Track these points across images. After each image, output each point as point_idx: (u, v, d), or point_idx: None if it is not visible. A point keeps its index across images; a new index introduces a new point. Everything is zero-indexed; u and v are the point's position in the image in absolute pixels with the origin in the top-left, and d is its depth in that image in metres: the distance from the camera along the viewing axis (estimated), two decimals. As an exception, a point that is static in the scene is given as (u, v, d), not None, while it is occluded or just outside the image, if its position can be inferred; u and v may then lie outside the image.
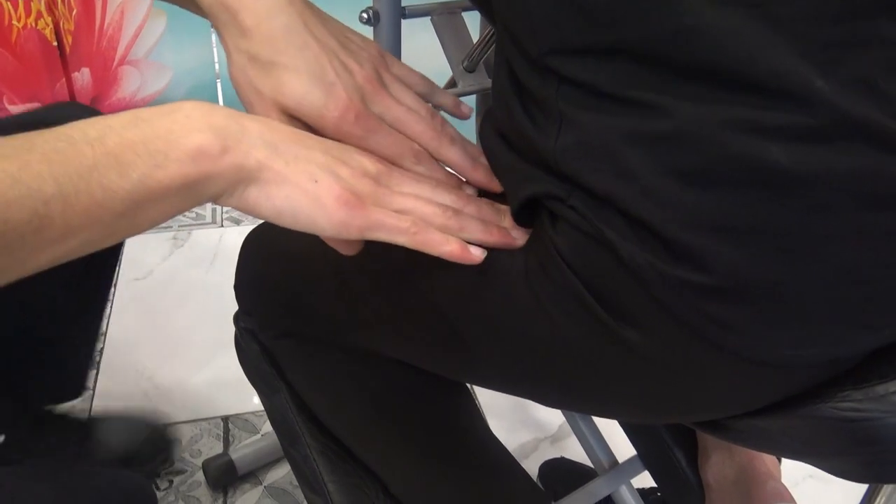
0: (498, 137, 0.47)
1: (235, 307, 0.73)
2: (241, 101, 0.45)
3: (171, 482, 1.08)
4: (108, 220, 0.34)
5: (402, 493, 0.66)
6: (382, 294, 0.54)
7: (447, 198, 0.45)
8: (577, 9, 0.38)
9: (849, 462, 0.42)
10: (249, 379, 0.75)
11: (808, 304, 0.38)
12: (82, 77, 1.36)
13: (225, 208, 1.74)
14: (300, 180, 0.39)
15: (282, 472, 1.11)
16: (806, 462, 0.45)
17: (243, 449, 1.09)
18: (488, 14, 0.51)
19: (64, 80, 1.32)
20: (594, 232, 0.39)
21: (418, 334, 0.54)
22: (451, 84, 0.76)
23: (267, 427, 1.17)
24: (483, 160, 0.51)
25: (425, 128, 0.47)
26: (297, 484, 1.09)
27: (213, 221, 1.68)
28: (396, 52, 0.73)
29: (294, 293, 0.63)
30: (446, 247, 0.42)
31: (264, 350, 0.71)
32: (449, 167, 0.50)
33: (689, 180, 0.37)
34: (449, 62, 0.75)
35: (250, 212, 0.39)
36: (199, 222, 1.68)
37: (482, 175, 0.49)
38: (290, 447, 0.70)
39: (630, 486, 0.86)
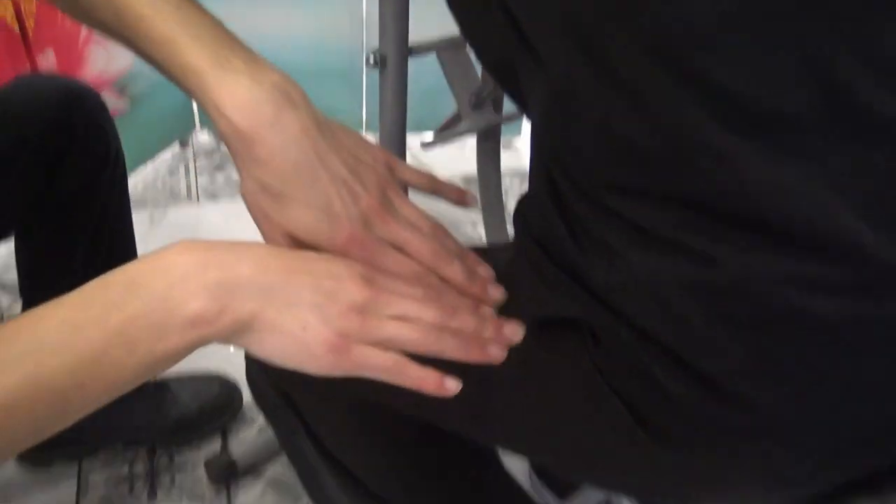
0: (535, 244, 0.49)
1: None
2: (251, 215, 0.48)
3: (173, 479, 1.10)
4: (120, 388, 0.38)
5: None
6: None
7: (431, 314, 0.46)
8: (634, 154, 0.39)
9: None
10: (265, 415, 0.77)
11: (832, 442, 0.41)
12: (47, 59, 1.30)
13: (200, 182, 1.71)
14: (291, 328, 0.41)
15: (281, 467, 1.15)
16: None
17: (243, 445, 1.12)
18: (520, 104, 0.51)
19: (28, 63, 1.25)
20: (640, 364, 0.42)
21: (449, 408, 0.56)
22: (457, 119, 0.76)
23: (262, 421, 1.20)
24: (482, 271, 0.53)
25: (426, 249, 0.50)
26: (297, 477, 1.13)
27: (189, 198, 1.65)
28: (403, 93, 0.72)
29: None
30: (423, 384, 0.44)
31: (279, 389, 0.73)
32: (448, 282, 0.51)
33: (737, 329, 0.39)
34: (455, 99, 0.74)
35: (243, 347, 0.42)
36: (174, 199, 1.65)
37: (479, 290, 0.51)
38: (311, 486, 0.74)
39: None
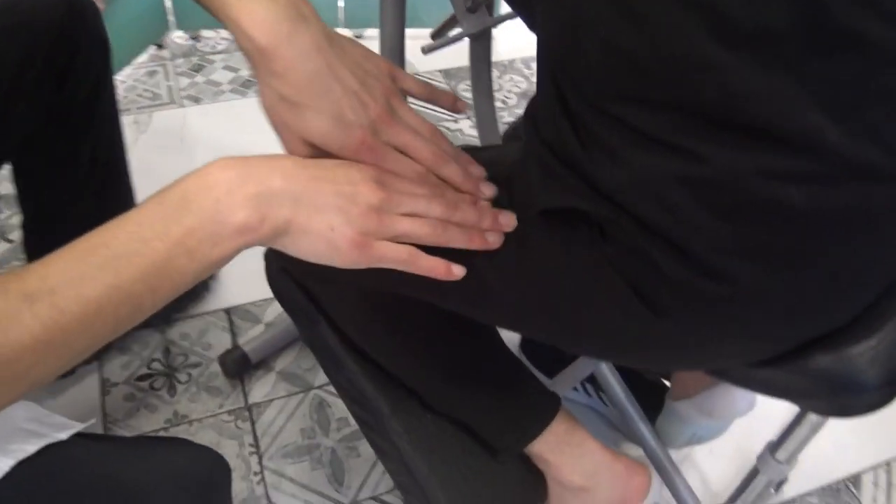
0: (543, 144, 0.53)
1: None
2: (271, 124, 0.52)
3: (190, 375, 1.18)
4: (182, 289, 0.44)
5: (434, 402, 0.78)
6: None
7: (438, 210, 0.52)
8: (636, 67, 0.44)
9: (817, 403, 0.55)
10: (287, 311, 0.83)
11: (798, 306, 0.49)
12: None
13: (182, 86, 1.70)
14: (320, 230, 0.47)
15: (290, 359, 1.22)
16: (786, 400, 0.59)
17: (253, 341, 1.19)
18: (528, 20, 0.55)
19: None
20: (642, 252, 0.48)
21: (455, 293, 0.62)
22: (453, 21, 0.78)
23: (267, 317, 1.27)
24: (474, 170, 0.58)
25: (426, 152, 0.55)
26: (305, 367, 1.22)
27: (172, 101, 1.65)
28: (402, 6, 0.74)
29: None
30: (433, 271, 0.51)
31: (299, 285, 0.78)
32: (445, 181, 0.57)
33: (722, 215, 0.45)
34: (452, 3, 0.76)
35: (282, 250, 0.48)
36: (157, 103, 1.64)
37: (472, 187, 0.57)
38: (334, 372, 0.81)
39: (610, 364, 1.01)
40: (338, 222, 0.47)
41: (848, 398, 0.53)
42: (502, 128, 1.16)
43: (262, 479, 1.07)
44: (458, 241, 0.52)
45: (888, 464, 1.15)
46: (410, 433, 0.78)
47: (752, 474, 0.76)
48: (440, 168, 0.56)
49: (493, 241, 0.54)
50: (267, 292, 0.81)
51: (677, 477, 1.01)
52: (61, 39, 0.80)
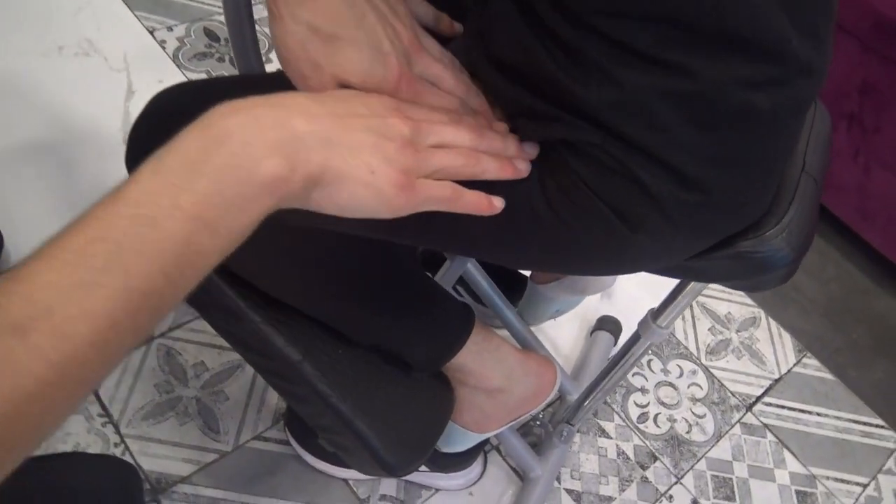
0: (502, 72, 0.51)
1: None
2: (291, 68, 0.46)
3: None
4: (205, 274, 0.35)
5: (358, 333, 0.75)
6: None
7: (466, 137, 0.48)
8: None
9: (739, 282, 0.62)
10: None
11: (752, 205, 0.54)
12: None
13: None
14: (359, 174, 0.40)
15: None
16: (718, 283, 0.65)
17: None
18: None
19: None
20: (625, 171, 0.49)
21: (406, 226, 0.59)
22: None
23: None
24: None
25: (455, 82, 0.51)
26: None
27: None
28: None
29: None
30: (478, 206, 0.47)
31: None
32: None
33: (704, 127, 0.47)
34: None
35: (314, 210, 0.41)
36: None
37: (491, 116, 0.53)
38: (230, 327, 0.73)
39: (475, 262, 1.04)
40: (377, 163, 0.40)
41: (766, 275, 0.60)
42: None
43: (126, 448, 0.96)
44: (491, 170, 0.47)
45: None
46: (327, 374, 0.74)
47: (634, 338, 0.84)
48: (469, 99, 0.51)
49: (523, 169, 0.50)
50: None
51: (541, 350, 1.10)
52: None
